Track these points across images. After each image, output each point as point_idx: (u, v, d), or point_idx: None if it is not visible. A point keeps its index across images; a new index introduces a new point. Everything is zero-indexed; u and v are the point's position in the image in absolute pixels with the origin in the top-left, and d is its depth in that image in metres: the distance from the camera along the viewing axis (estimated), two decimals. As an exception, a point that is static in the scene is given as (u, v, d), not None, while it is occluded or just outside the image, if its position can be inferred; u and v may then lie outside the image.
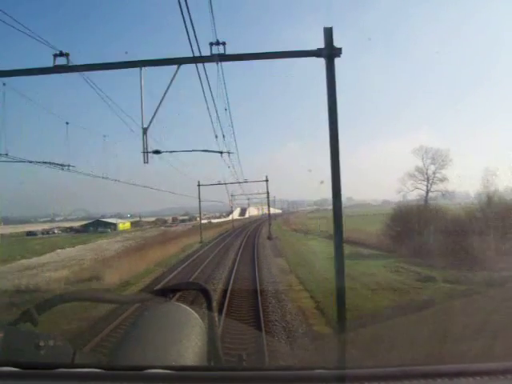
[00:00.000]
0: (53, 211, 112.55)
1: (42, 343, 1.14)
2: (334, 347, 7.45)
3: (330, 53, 8.18)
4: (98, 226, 78.05)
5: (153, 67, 9.14)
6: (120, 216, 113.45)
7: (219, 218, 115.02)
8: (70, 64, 8.46)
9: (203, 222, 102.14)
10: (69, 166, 11.58)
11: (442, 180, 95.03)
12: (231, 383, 0.93)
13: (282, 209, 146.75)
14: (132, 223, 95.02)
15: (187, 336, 1.21)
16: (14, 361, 1.02)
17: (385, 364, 0.98)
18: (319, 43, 8.33)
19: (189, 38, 6.65)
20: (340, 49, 8.20)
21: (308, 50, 8.56)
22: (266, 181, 35.82)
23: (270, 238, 37.34)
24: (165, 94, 9.23)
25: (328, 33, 8.15)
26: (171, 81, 8.98)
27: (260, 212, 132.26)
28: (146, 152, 9.20)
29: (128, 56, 17.12)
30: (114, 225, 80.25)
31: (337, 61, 8.31)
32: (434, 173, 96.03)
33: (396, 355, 4.94)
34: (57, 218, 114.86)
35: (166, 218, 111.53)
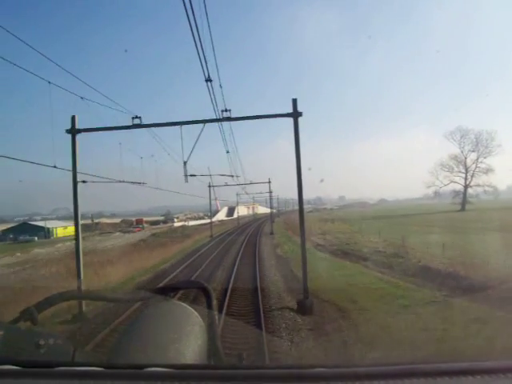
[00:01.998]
0: (33, 210, 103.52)
1: (42, 342, 1.12)
2: None
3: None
4: (21, 232, 54.61)
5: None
6: (101, 215, 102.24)
7: (202, 218, 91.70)
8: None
9: (178, 224, 79.35)
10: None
11: (486, 171, 69.14)
12: (231, 381, 0.92)
13: (275, 208, 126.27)
14: (83, 226, 72.09)
15: (187, 334, 1.20)
16: (14, 359, 1.02)
17: (385, 363, 0.96)
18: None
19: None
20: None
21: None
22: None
23: (303, 304, 10.62)
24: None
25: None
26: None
27: (251, 211, 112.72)
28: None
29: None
30: (44, 229, 56.60)
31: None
32: (475, 162, 70.59)
33: None
34: (36, 217, 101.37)
35: (134, 219, 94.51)
